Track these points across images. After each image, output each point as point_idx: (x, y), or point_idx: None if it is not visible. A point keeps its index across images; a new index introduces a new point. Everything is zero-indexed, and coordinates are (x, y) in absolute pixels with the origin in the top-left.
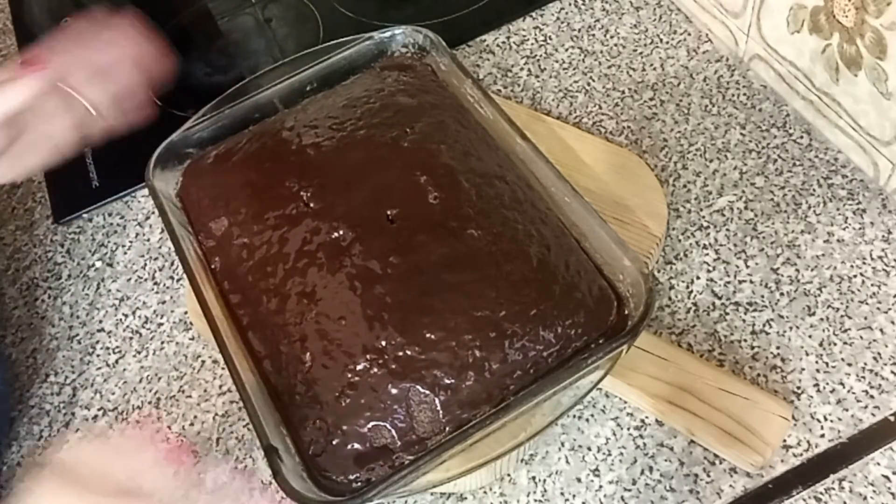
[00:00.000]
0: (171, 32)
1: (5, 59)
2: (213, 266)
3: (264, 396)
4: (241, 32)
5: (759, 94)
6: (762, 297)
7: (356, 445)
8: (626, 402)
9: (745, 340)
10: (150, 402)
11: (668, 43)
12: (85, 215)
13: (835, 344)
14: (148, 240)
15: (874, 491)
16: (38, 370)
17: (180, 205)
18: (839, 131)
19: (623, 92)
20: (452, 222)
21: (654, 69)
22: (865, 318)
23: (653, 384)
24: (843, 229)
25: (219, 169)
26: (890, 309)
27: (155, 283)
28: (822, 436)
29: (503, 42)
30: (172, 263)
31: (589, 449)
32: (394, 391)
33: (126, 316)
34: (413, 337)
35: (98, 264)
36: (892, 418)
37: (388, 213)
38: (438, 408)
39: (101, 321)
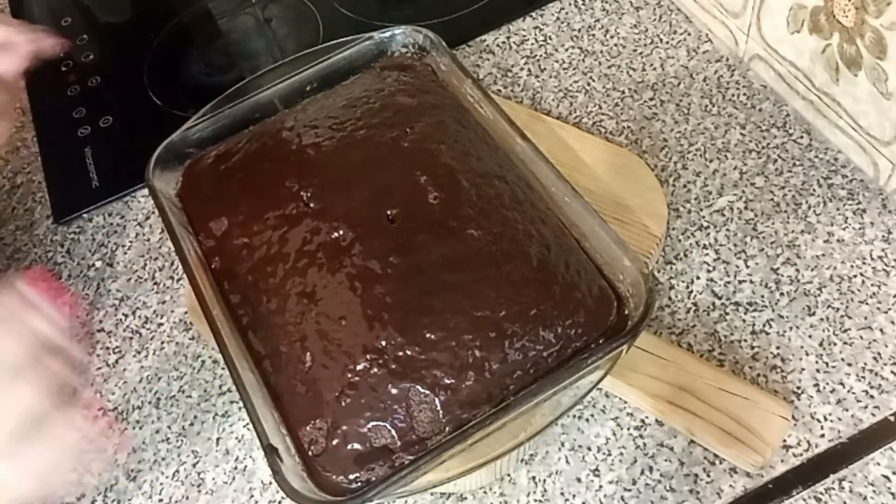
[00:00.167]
0: (171, 32)
1: None
2: (213, 266)
3: (264, 396)
4: (241, 32)
5: (759, 94)
6: (762, 297)
7: (356, 445)
8: (626, 402)
9: (745, 340)
10: (150, 402)
11: (668, 43)
12: (85, 215)
13: (835, 344)
14: (148, 240)
15: (874, 491)
16: None
17: (180, 205)
18: (839, 131)
19: (623, 92)
20: (452, 222)
21: (654, 69)
22: (865, 318)
23: (653, 384)
24: (843, 229)
25: (219, 169)
26: (890, 309)
27: (155, 283)
28: (822, 436)
29: (503, 42)
30: (172, 263)
31: (589, 449)
32: (394, 391)
33: (126, 316)
34: (413, 337)
35: (98, 264)
36: (892, 418)
37: (388, 213)
38: (438, 408)
39: (101, 321)
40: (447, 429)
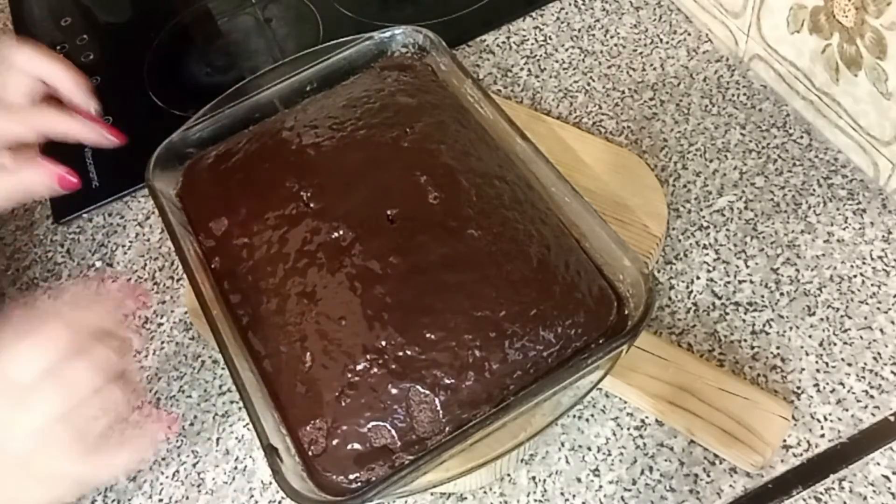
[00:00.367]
0: (171, 32)
1: None
2: (213, 266)
3: (264, 396)
4: (241, 32)
5: (759, 94)
6: (762, 297)
7: (356, 445)
8: (626, 402)
9: (745, 340)
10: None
11: (668, 43)
12: (85, 215)
13: (835, 344)
14: (148, 240)
15: (874, 491)
16: None
17: (180, 205)
18: (839, 131)
19: (623, 92)
20: (452, 222)
21: (654, 69)
22: (865, 318)
23: (653, 384)
24: (843, 229)
25: (219, 169)
26: (890, 309)
27: (155, 283)
28: (822, 436)
29: (503, 42)
30: (172, 263)
31: (589, 449)
32: (394, 391)
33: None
34: (413, 337)
35: (98, 264)
36: (892, 418)
37: (388, 213)
38: (438, 408)
39: None
40: (447, 429)
